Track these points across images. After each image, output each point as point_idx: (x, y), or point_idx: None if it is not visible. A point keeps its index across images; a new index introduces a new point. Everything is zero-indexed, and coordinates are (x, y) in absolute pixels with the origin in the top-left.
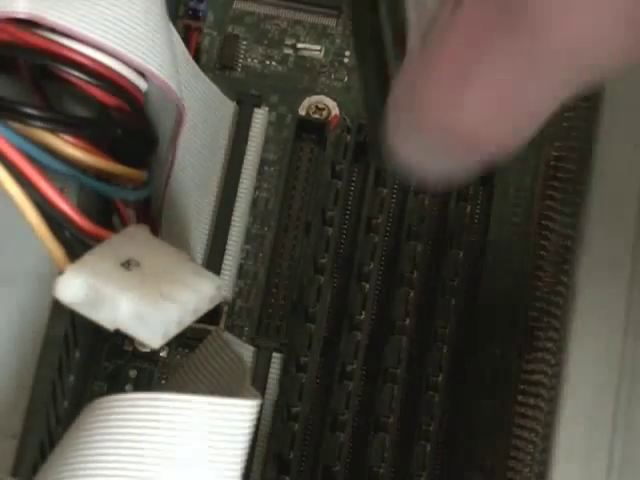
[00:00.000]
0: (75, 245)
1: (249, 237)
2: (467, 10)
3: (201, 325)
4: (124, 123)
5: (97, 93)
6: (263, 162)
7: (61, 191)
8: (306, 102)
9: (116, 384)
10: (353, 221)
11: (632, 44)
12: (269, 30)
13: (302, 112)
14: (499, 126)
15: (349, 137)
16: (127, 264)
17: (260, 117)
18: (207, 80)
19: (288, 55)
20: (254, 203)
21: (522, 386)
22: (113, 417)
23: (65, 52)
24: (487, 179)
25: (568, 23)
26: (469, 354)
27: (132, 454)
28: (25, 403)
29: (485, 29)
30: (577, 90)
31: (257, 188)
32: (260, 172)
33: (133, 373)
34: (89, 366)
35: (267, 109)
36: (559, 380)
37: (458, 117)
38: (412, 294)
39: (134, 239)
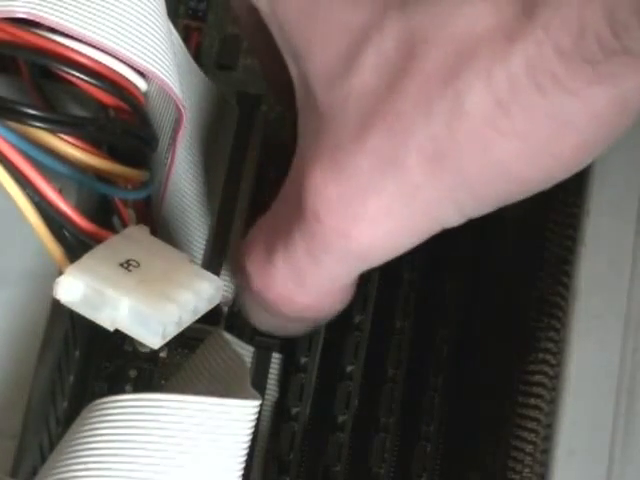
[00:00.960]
0: (75, 245)
1: None
2: (275, 206)
3: (201, 325)
4: (124, 123)
5: (97, 93)
6: None
7: (60, 191)
8: None
9: (116, 384)
10: None
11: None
12: None
13: None
14: (300, 296)
15: None
16: (127, 265)
17: (260, 117)
18: (207, 80)
19: None
20: (254, 203)
21: (522, 387)
22: (113, 417)
23: (65, 52)
24: None
25: (345, 234)
26: (469, 354)
27: (132, 454)
28: (24, 403)
29: (284, 223)
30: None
31: (257, 188)
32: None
33: (133, 373)
34: (89, 366)
35: (267, 109)
36: (559, 381)
37: (267, 284)
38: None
39: (134, 240)
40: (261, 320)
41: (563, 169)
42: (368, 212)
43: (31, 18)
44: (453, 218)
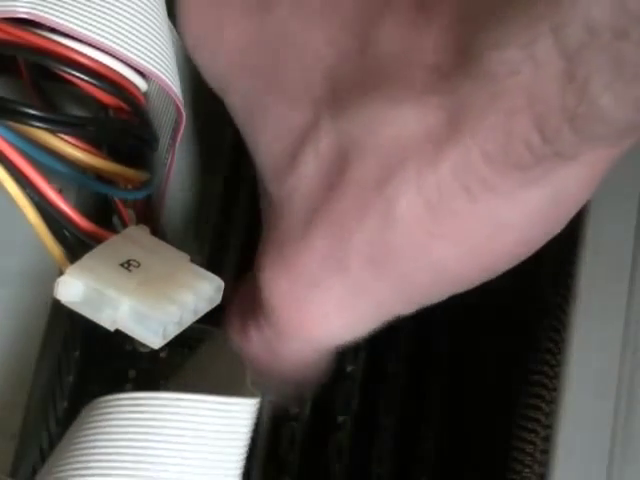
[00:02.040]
0: (75, 245)
1: None
2: (248, 278)
3: (201, 325)
4: (124, 123)
5: (97, 93)
6: None
7: (60, 191)
8: None
9: (116, 384)
10: None
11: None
12: None
13: None
14: (275, 364)
15: None
16: (127, 265)
17: None
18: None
19: None
20: (254, 203)
21: (522, 387)
22: (113, 417)
23: (65, 52)
24: None
25: (299, 326)
26: (469, 354)
27: (132, 454)
28: (24, 403)
29: (254, 300)
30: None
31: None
32: None
33: (133, 373)
34: (89, 366)
35: None
36: (559, 381)
37: (245, 349)
38: None
39: (134, 240)
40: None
41: (504, 265)
42: (319, 307)
43: (31, 18)
44: (406, 310)
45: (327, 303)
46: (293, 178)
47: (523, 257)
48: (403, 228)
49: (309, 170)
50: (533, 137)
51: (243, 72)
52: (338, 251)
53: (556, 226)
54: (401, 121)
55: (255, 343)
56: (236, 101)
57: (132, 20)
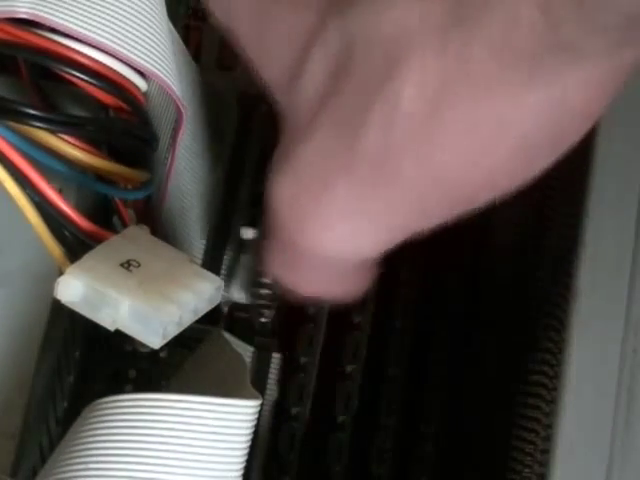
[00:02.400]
0: (75, 245)
1: None
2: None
3: (201, 325)
4: (124, 123)
5: (97, 93)
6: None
7: (60, 191)
8: None
9: (116, 384)
10: None
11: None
12: None
13: None
14: (307, 286)
15: None
16: (127, 265)
17: (260, 117)
18: (207, 80)
19: None
20: (254, 203)
21: (522, 386)
22: (113, 418)
23: (65, 52)
24: None
25: (301, 235)
26: (469, 354)
27: (132, 454)
28: (24, 403)
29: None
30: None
31: (257, 188)
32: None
33: (133, 373)
34: (89, 366)
35: (267, 109)
36: (559, 380)
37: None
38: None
39: (134, 240)
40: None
41: (504, 174)
42: (321, 213)
43: (32, 18)
44: (410, 225)
45: (330, 207)
46: (301, 81)
47: (526, 174)
48: (405, 125)
49: (316, 71)
50: (538, 22)
51: None
52: (342, 150)
53: (561, 139)
54: (405, 13)
55: (280, 267)
56: (242, 20)
57: (132, 20)
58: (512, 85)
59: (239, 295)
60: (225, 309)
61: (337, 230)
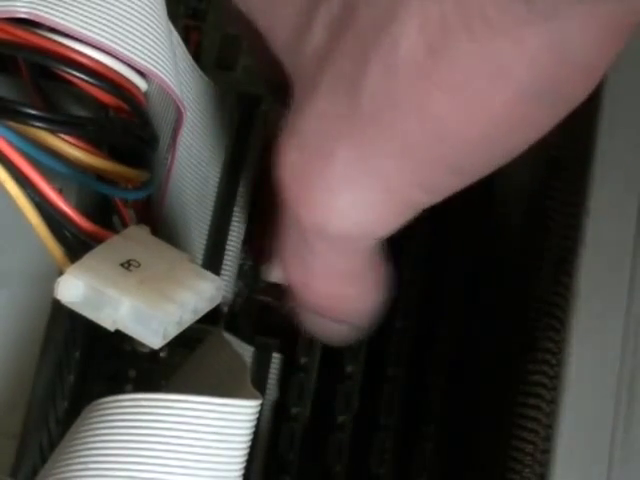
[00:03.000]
0: (75, 245)
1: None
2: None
3: (201, 325)
4: (124, 123)
5: (97, 93)
6: None
7: (60, 191)
8: None
9: (116, 384)
10: None
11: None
12: None
13: None
14: (315, 283)
15: None
16: (127, 265)
17: (260, 117)
18: (207, 80)
19: None
20: (254, 203)
21: (522, 387)
22: (113, 418)
23: (65, 52)
24: (487, 180)
25: (304, 203)
26: (469, 354)
27: (132, 454)
28: (25, 403)
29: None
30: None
31: (257, 188)
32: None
33: (133, 373)
34: (89, 366)
35: (267, 109)
36: (559, 380)
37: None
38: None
39: (134, 240)
40: (306, 319)
41: (502, 130)
42: (324, 179)
43: (32, 18)
44: (413, 194)
45: (331, 174)
46: (306, 39)
47: (525, 135)
48: (405, 72)
49: (320, 31)
50: None
51: None
52: (342, 107)
53: (561, 94)
54: None
55: (289, 261)
56: None
57: (132, 20)
58: (510, 27)
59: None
60: (225, 309)
61: (340, 199)
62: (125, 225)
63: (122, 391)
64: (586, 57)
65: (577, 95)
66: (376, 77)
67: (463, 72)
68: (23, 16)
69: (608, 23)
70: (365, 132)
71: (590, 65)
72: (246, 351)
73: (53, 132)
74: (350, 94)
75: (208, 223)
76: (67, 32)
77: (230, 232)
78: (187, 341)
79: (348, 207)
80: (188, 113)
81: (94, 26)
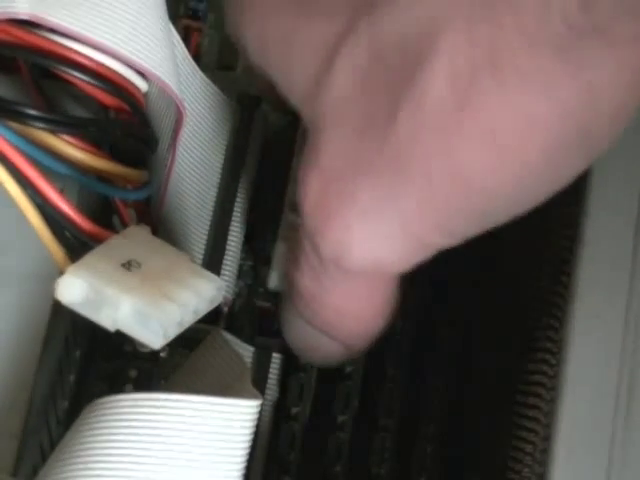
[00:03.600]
0: (76, 246)
1: None
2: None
3: (201, 325)
4: (124, 124)
5: (97, 93)
6: None
7: (61, 192)
8: None
9: (116, 384)
10: None
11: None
12: None
13: None
14: (323, 296)
15: None
16: (128, 265)
17: (260, 117)
18: (207, 80)
19: None
20: (254, 202)
21: (522, 386)
22: (113, 417)
23: (65, 52)
24: None
25: (320, 232)
26: (469, 354)
27: (132, 454)
28: (25, 403)
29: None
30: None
31: (257, 187)
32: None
33: (133, 373)
34: (89, 366)
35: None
36: (559, 380)
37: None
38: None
39: (135, 240)
40: (300, 333)
41: (534, 180)
42: (343, 217)
43: (31, 19)
44: (431, 236)
45: (351, 209)
46: (328, 85)
47: (552, 183)
48: (433, 118)
49: (344, 74)
50: (570, 4)
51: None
52: (369, 148)
53: (590, 142)
54: (433, 6)
55: (304, 275)
56: (273, 41)
57: (132, 20)
58: (542, 76)
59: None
60: (225, 309)
61: (357, 232)
62: (125, 225)
63: (122, 391)
64: (618, 101)
65: (607, 138)
66: (405, 123)
67: (492, 122)
68: (23, 17)
69: (637, 64)
70: (389, 175)
71: (621, 108)
72: (246, 351)
73: (53, 132)
74: (377, 136)
75: (208, 223)
76: (67, 33)
77: (230, 232)
78: (187, 341)
79: (364, 245)
80: (188, 113)
81: (94, 27)
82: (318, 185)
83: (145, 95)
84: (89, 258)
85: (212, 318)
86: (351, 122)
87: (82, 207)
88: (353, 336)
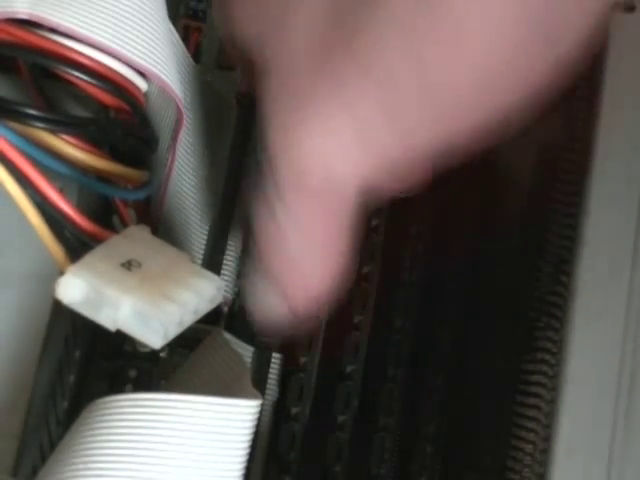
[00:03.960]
0: (76, 245)
1: None
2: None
3: (201, 325)
4: (124, 123)
5: (97, 93)
6: None
7: (61, 191)
8: None
9: (116, 384)
10: None
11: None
12: None
13: None
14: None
15: None
16: (128, 265)
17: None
18: (207, 80)
19: None
20: None
21: (521, 386)
22: (113, 417)
23: (65, 52)
24: (487, 179)
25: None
26: (469, 354)
27: (132, 454)
28: (25, 403)
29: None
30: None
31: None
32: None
33: (133, 373)
34: (89, 366)
35: None
36: (559, 380)
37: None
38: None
39: (135, 239)
40: (254, 288)
41: (497, 83)
42: (305, 121)
43: (31, 18)
44: (392, 150)
45: (310, 108)
46: (294, 18)
47: (517, 78)
48: (399, 19)
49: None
50: None
51: None
52: (330, 49)
53: (553, 37)
54: None
55: (262, 217)
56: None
57: (132, 20)
58: None
59: None
60: (225, 309)
61: (316, 137)
62: (125, 225)
63: (122, 391)
64: (583, 6)
65: (572, 45)
66: (372, 23)
67: (459, 23)
68: (23, 17)
69: None
70: (352, 75)
71: (586, 14)
72: (246, 351)
73: (53, 132)
74: (343, 37)
75: (208, 223)
76: (67, 32)
77: (230, 232)
78: (187, 341)
79: (323, 147)
80: (188, 113)
81: (94, 26)
82: (280, 96)
83: (145, 95)
84: (89, 258)
85: (212, 318)
86: (316, 25)
87: (82, 207)
88: (300, 294)
